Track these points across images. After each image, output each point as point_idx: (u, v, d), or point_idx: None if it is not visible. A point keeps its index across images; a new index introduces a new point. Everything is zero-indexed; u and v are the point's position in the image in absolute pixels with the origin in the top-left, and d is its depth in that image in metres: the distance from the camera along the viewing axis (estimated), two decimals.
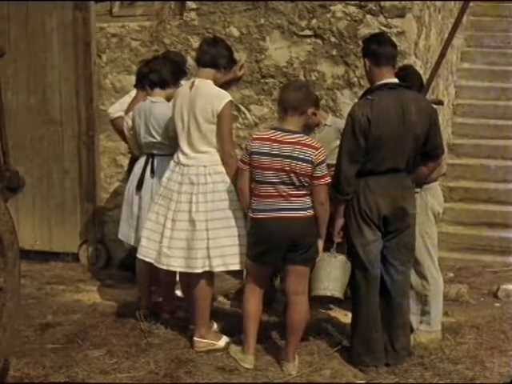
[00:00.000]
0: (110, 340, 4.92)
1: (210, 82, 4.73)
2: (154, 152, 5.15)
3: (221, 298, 5.77)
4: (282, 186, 4.35)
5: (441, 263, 6.94)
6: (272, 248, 4.43)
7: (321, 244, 4.52)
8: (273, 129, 4.54)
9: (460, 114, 8.56)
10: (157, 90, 5.18)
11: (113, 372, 4.45)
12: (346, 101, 6.27)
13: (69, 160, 6.92)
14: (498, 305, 6.02)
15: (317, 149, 4.33)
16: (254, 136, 4.53)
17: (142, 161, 5.25)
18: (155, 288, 5.70)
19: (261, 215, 4.43)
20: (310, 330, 5.05)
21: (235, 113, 6.47)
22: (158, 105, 5.10)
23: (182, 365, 4.54)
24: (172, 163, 4.84)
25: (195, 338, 4.79)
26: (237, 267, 4.70)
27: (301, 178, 4.31)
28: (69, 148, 6.91)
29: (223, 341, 4.84)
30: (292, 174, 4.31)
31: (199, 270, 4.67)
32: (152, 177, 5.11)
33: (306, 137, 4.39)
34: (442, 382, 4.41)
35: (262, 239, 4.45)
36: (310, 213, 4.40)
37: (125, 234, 5.29)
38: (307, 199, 4.39)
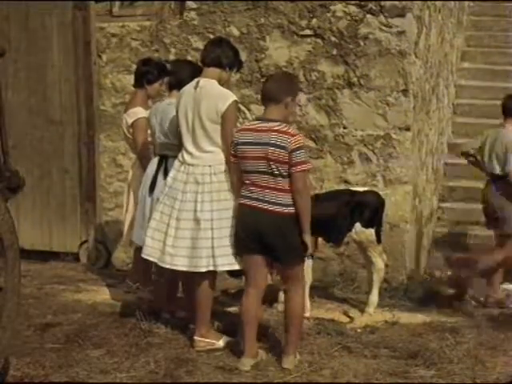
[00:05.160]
0: (110, 340, 4.91)
1: (215, 82, 4.72)
2: (168, 153, 5.14)
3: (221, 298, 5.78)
4: (261, 176, 4.39)
5: (441, 263, 7.03)
6: (247, 237, 4.48)
7: (308, 238, 4.45)
8: (255, 119, 4.64)
9: (460, 113, 8.57)
10: (174, 92, 5.17)
11: (113, 372, 4.44)
12: (346, 100, 6.28)
13: (69, 160, 6.91)
14: None
15: (292, 135, 4.35)
16: (239, 128, 4.62)
17: (154, 162, 5.26)
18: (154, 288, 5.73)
19: (242, 201, 4.50)
20: (310, 329, 5.06)
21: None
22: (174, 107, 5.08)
23: (182, 364, 4.54)
24: (177, 163, 4.83)
25: (195, 338, 4.79)
26: (241, 266, 4.71)
27: (278, 165, 4.32)
28: (69, 148, 6.90)
29: (223, 340, 4.83)
30: (271, 162, 4.33)
31: (203, 270, 4.66)
32: (165, 178, 5.08)
33: (282, 124, 4.40)
34: (442, 382, 4.41)
35: (240, 226, 4.53)
36: (287, 210, 4.38)
37: (138, 236, 5.29)
38: (285, 195, 4.38)
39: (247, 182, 4.48)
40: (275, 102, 4.43)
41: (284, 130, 4.37)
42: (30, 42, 6.87)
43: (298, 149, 4.33)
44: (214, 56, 4.75)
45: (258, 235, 4.43)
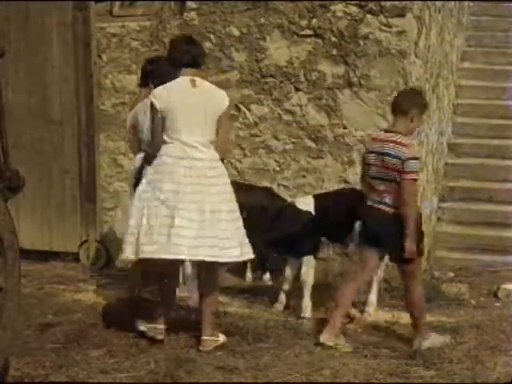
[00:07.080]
0: (110, 340, 4.91)
1: (207, 81, 4.88)
2: None
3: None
4: (381, 181, 4.81)
5: (441, 263, 7.03)
6: (366, 234, 4.97)
7: (409, 244, 4.71)
8: (381, 130, 5.08)
9: (460, 113, 8.56)
10: None
11: (113, 372, 4.44)
12: (347, 100, 6.28)
13: (69, 160, 6.91)
14: (498, 305, 6.03)
15: (407, 146, 4.72)
16: (370, 136, 5.24)
17: (138, 159, 5.25)
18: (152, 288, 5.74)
19: (369, 203, 4.94)
20: (311, 329, 5.06)
21: (236, 112, 6.48)
22: None
23: (183, 364, 4.53)
24: (178, 157, 4.83)
25: (205, 338, 4.78)
26: (236, 259, 4.77)
27: (394, 173, 4.72)
28: (69, 148, 6.91)
29: (222, 336, 4.86)
30: (388, 170, 4.74)
31: (206, 258, 4.65)
32: None
33: (401, 136, 4.75)
34: (442, 382, 4.41)
35: (364, 224, 5.03)
36: (393, 210, 4.78)
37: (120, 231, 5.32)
38: (394, 196, 4.76)
39: (372, 186, 4.88)
40: (402, 114, 4.80)
41: (400, 141, 4.74)
42: (30, 42, 6.87)
43: (411, 159, 4.70)
44: (195, 56, 4.83)
45: (374, 232, 4.87)
